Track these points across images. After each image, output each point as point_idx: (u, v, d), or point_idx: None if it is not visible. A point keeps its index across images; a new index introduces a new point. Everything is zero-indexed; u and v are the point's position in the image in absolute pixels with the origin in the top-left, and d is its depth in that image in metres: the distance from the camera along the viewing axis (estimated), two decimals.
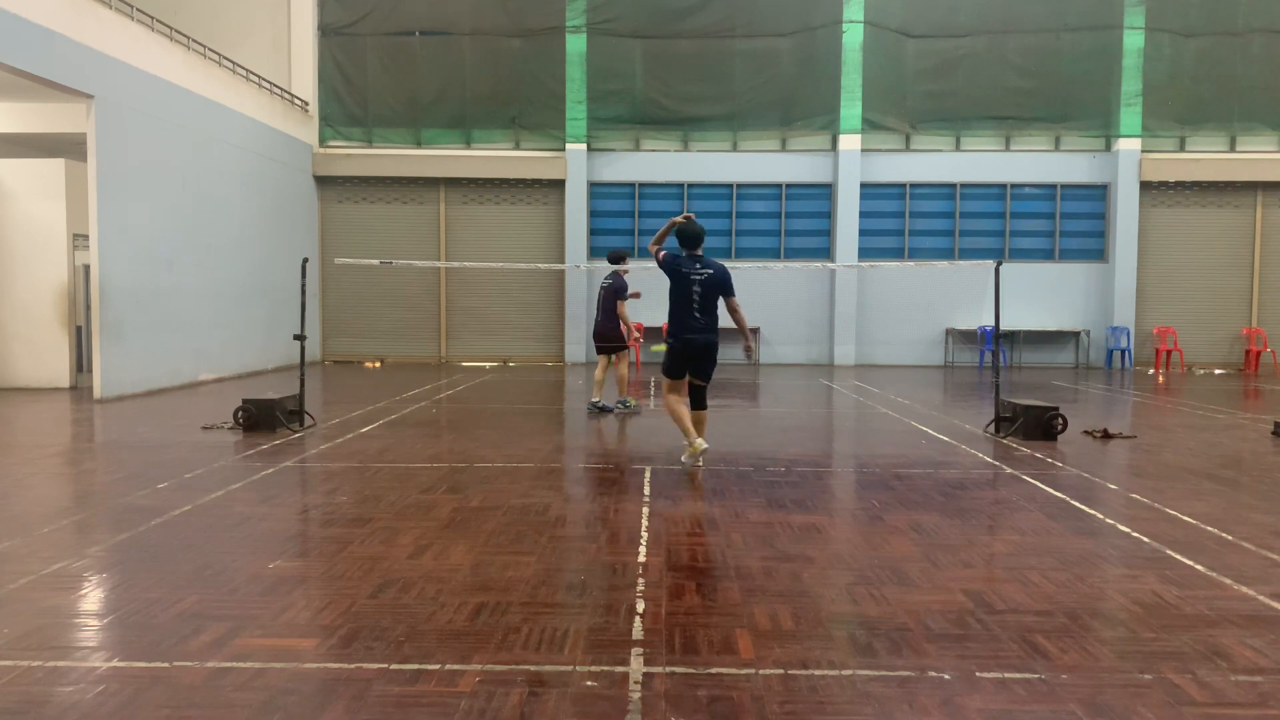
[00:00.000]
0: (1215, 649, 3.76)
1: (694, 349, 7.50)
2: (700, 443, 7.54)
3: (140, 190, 13.24)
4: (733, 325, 7.75)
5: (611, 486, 6.96)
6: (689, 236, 7.56)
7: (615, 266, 11.19)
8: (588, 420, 10.90)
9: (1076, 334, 19.76)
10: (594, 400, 11.34)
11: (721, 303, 7.67)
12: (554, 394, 14.07)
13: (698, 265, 7.48)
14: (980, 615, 4.15)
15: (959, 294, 19.65)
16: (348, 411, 11.20)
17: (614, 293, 11.10)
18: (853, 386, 15.10)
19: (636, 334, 11.46)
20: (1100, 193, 19.87)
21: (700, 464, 7.64)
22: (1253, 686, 3.41)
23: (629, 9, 19.53)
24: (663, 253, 7.62)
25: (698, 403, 7.73)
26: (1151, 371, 18.81)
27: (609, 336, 11.19)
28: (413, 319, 20.21)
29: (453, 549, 5.17)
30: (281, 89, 18.31)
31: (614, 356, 11.34)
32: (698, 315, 7.45)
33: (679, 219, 7.68)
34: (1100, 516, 6.08)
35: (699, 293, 7.44)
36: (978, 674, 3.51)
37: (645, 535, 5.49)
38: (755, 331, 8.50)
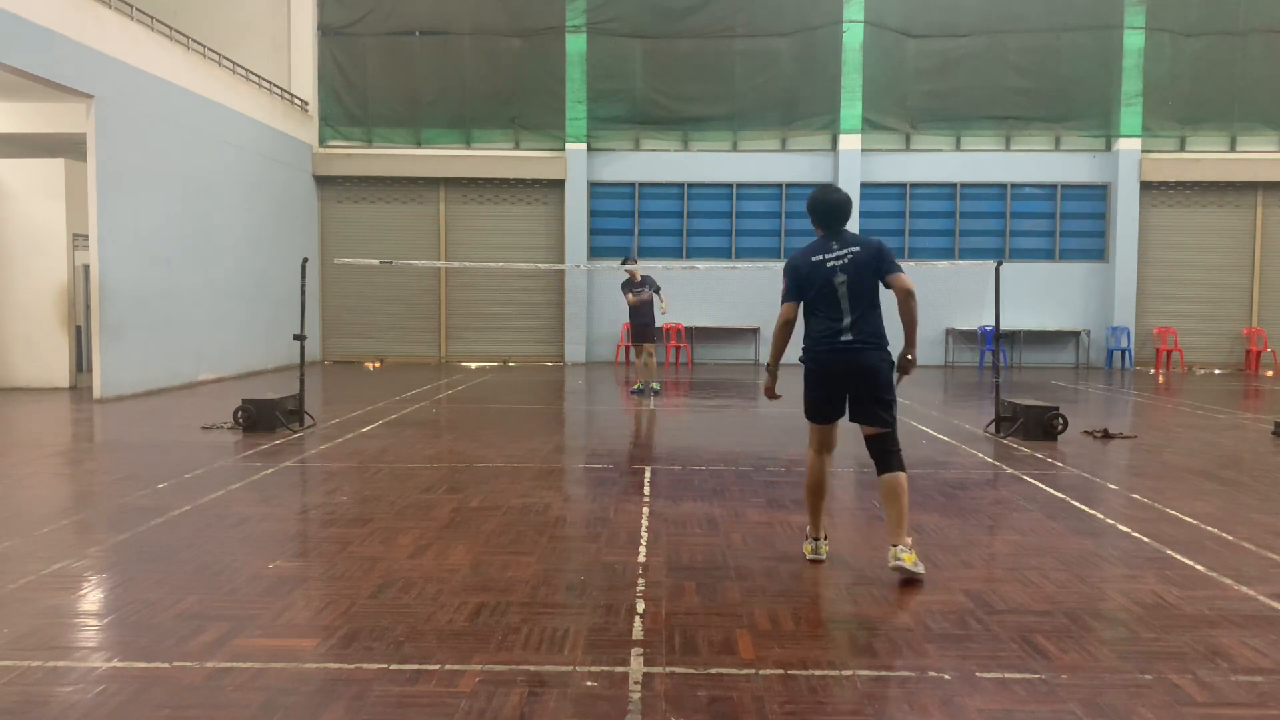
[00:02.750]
0: (1215, 649, 3.76)
1: (838, 372, 4.84)
2: (810, 549, 5.01)
3: (140, 190, 13.23)
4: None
5: (611, 486, 6.96)
6: (826, 209, 4.93)
7: (627, 268, 13.32)
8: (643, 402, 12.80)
9: (1076, 334, 19.76)
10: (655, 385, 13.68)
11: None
12: (554, 394, 14.07)
13: (834, 246, 4.85)
14: (980, 615, 4.15)
15: (959, 294, 19.63)
16: (348, 411, 11.19)
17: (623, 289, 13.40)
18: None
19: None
20: (1100, 193, 19.87)
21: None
22: (1253, 686, 3.41)
23: (629, 9, 19.53)
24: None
25: (882, 462, 4.82)
26: (1152, 371, 18.80)
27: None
28: (413, 319, 20.21)
29: (453, 549, 5.17)
30: (281, 89, 18.31)
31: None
32: (844, 319, 4.78)
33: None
34: (1100, 516, 6.08)
35: (844, 282, 4.78)
36: (978, 674, 3.51)
37: (645, 535, 5.49)
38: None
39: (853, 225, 19.04)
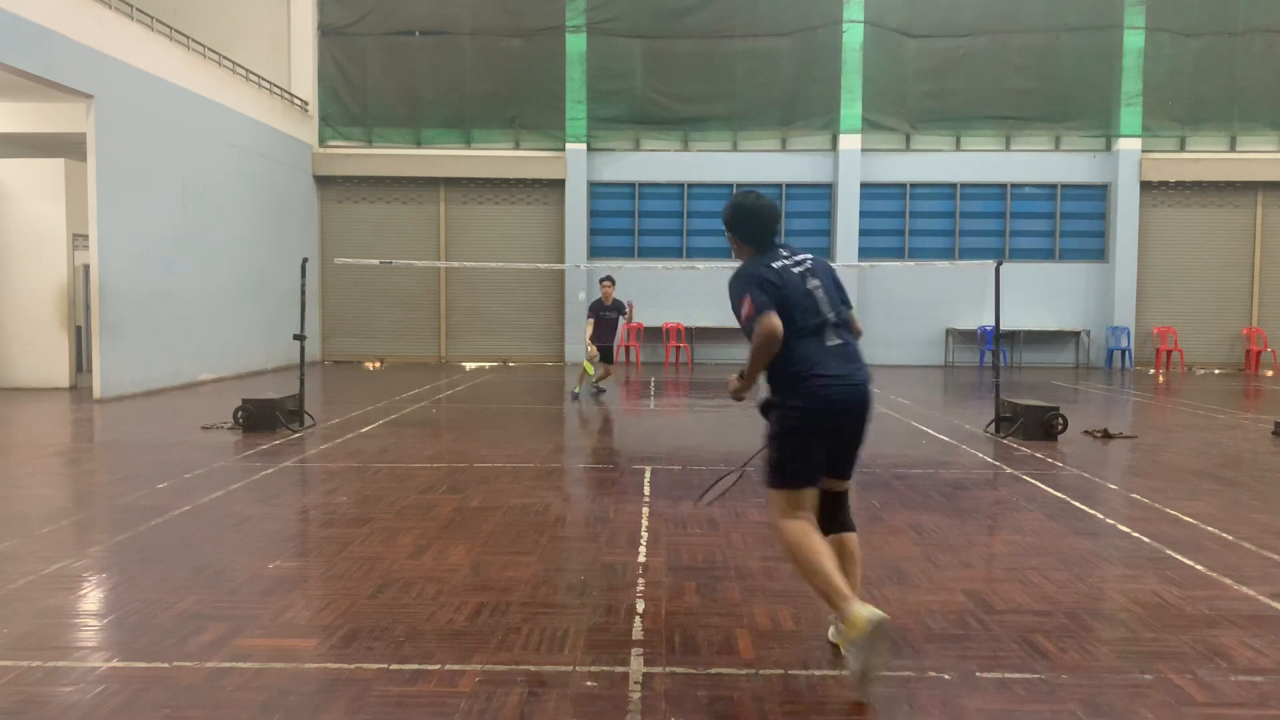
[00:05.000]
0: (1215, 649, 3.76)
1: (839, 409, 3.67)
2: (865, 611, 3.27)
3: (140, 190, 13.23)
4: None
5: (611, 486, 6.96)
6: (764, 216, 3.86)
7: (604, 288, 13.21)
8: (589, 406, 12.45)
9: (1076, 334, 19.76)
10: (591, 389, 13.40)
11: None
12: (554, 394, 14.06)
13: (784, 254, 3.82)
14: (980, 615, 4.15)
15: (959, 294, 19.64)
16: (348, 411, 11.19)
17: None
18: None
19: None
20: (1100, 193, 19.87)
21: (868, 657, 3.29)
22: (1253, 686, 3.41)
23: (629, 9, 19.53)
24: (747, 301, 3.66)
25: (844, 519, 3.83)
26: (1152, 371, 18.80)
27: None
28: (413, 319, 20.21)
29: (453, 549, 5.17)
30: (281, 89, 18.31)
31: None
32: (838, 339, 3.71)
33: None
34: (1100, 516, 6.08)
35: (819, 287, 3.75)
36: (978, 674, 3.51)
37: (645, 535, 5.49)
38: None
39: (852, 225, 19.54)
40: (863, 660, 3.23)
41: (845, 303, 3.81)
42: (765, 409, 3.76)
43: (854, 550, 3.76)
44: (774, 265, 3.74)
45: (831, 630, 3.76)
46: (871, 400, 3.73)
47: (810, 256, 3.86)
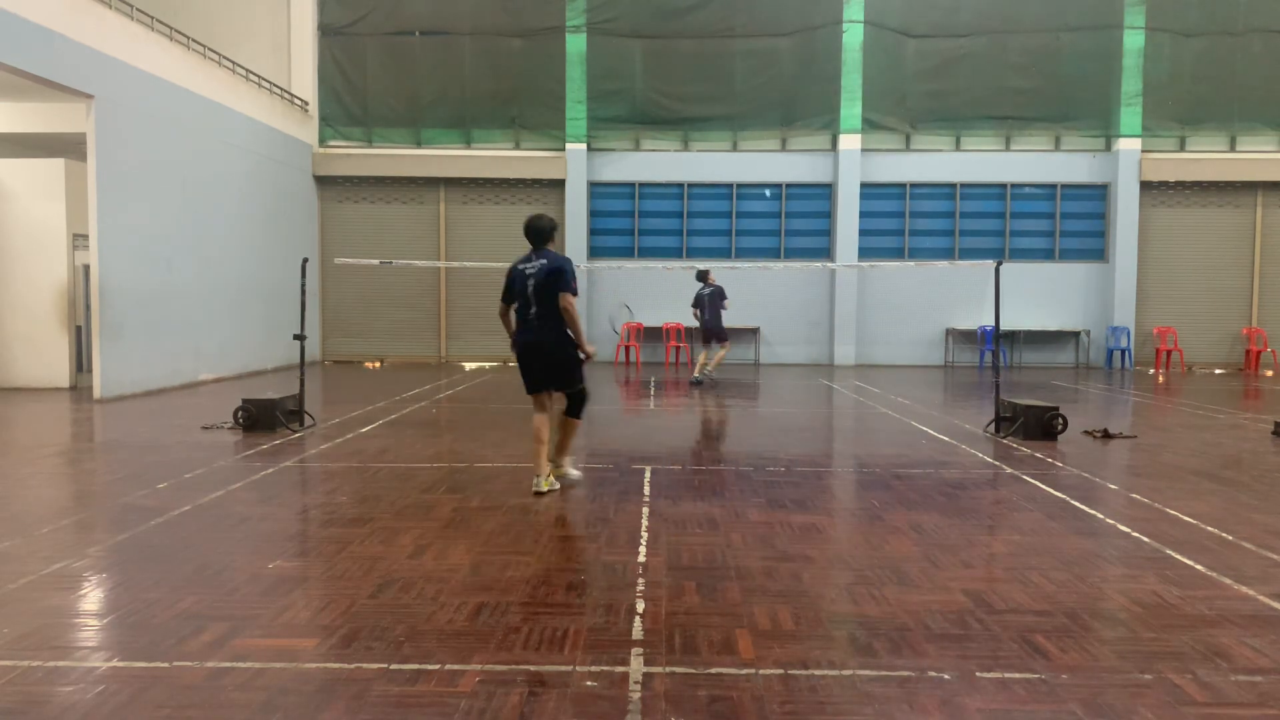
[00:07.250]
0: (1215, 649, 3.76)
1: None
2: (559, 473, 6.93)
3: (140, 190, 13.24)
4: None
5: (611, 486, 6.96)
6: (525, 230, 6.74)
7: (707, 276, 14.93)
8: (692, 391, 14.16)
9: (1076, 334, 19.76)
10: (698, 376, 14.95)
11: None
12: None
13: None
14: (980, 615, 4.15)
15: (959, 294, 19.64)
16: (348, 411, 11.19)
17: (721, 296, 14.85)
18: (853, 386, 15.09)
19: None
20: (1100, 193, 19.87)
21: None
22: (1253, 686, 3.41)
23: (629, 9, 19.53)
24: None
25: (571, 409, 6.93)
26: (1151, 371, 18.80)
27: (719, 331, 14.92)
28: (413, 319, 20.21)
29: (453, 549, 5.17)
30: (281, 89, 18.31)
31: (719, 345, 15.03)
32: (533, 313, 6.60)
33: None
34: (1100, 516, 6.08)
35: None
36: (978, 674, 3.51)
37: (645, 535, 5.49)
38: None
39: (852, 225, 19.45)
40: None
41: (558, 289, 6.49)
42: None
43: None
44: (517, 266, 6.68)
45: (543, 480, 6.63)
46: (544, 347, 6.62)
47: (544, 261, 6.53)
